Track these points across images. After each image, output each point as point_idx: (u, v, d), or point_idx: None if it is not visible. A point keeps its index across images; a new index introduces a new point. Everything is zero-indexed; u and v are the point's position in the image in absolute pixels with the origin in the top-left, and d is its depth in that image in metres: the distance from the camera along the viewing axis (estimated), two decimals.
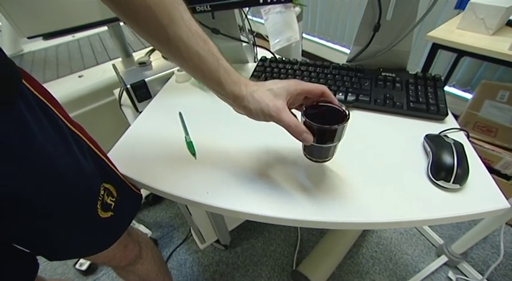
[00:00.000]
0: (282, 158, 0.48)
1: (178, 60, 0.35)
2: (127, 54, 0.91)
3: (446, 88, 1.50)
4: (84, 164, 0.38)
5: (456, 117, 1.21)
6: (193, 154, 0.49)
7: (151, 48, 0.91)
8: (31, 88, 0.34)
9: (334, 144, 0.37)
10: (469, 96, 1.47)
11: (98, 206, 0.41)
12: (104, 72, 1.07)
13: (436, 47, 1.01)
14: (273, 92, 0.34)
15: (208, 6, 0.58)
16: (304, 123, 0.35)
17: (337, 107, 0.37)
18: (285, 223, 0.39)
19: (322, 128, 0.34)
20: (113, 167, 0.45)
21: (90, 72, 1.11)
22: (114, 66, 0.83)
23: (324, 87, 0.36)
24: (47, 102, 0.36)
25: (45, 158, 0.33)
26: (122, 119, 0.82)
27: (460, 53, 0.96)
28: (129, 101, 0.76)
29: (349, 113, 0.35)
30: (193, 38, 0.33)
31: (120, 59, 0.91)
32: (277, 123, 0.35)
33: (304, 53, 2.29)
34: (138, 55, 0.85)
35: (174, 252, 1.15)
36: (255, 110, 0.35)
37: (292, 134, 0.34)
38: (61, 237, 0.40)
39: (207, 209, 0.42)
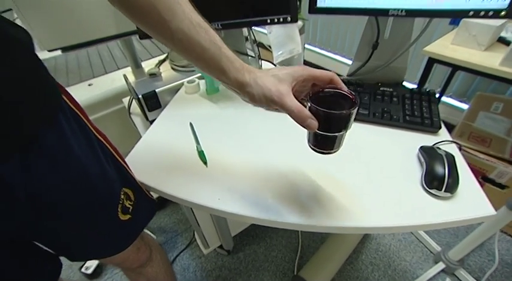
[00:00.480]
0: (287, 166, 0.51)
1: (183, 53, 0.35)
2: (137, 65, 0.95)
3: (444, 99, 1.55)
4: (108, 170, 0.42)
5: (452, 127, 1.25)
6: (205, 163, 0.53)
7: (159, 59, 0.95)
8: (67, 101, 0.38)
9: (341, 133, 0.35)
10: (465, 106, 1.52)
11: (119, 209, 0.44)
12: (112, 81, 1.11)
13: (431, 61, 1.06)
14: (277, 78, 0.34)
15: (219, 25, 0.63)
16: (310, 108, 0.33)
17: (345, 93, 0.35)
18: (292, 227, 0.43)
19: (328, 114, 0.32)
20: (131, 173, 0.49)
21: (99, 80, 1.15)
22: (125, 76, 0.87)
23: (332, 74, 0.35)
24: (79, 113, 0.39)
25: (79, 165, 0.36)
26: (130, 126, 0.86)
27: (454, 67, 1.01)
28: (138, 110, 0.79)
29: (359, 100, 0.34)
30: (194, 29, 0.33)
31: (129, 68, 0.95)
32: (280, 109, 0.34)
33: (306, 63, 2.34)
34: (147, 66, 0.89)
35: (177, 257, 1.17)
36: (257, 96, 0.34)
37: (295, 120, 0.33)
38: (84, 238, 0.43)
39: (219, 214, 0.46)
